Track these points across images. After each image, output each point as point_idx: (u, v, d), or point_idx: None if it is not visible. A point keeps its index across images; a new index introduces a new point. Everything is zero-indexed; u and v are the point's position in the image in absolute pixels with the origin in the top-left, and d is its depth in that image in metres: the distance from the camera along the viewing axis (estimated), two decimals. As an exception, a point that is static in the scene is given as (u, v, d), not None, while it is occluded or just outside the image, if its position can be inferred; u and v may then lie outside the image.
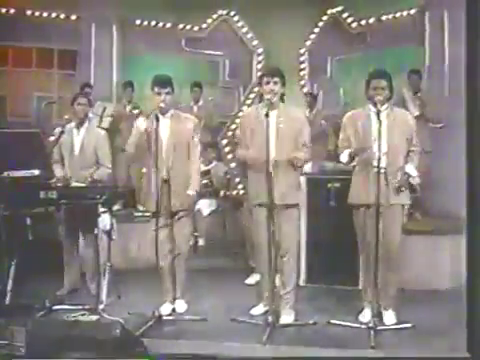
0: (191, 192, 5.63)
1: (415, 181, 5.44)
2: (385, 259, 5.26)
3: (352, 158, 5.37)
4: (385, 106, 5.26)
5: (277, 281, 5.49)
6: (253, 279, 6.60)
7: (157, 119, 5.38)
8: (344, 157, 5.42)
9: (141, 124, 5.46)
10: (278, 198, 5.26)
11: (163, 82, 5.60)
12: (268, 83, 5.36)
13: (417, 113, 7.47)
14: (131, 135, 5.67)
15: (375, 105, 5.18)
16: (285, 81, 5.43)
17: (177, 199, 5.57)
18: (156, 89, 5.57)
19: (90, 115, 6.78)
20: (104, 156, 6.43)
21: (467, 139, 4.13)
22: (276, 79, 5.36)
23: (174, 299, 5.82)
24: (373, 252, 5.14)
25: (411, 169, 5.33)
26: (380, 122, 5.07)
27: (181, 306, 5.82)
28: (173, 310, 5.76)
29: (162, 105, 5.52)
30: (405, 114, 5.62)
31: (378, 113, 5.11)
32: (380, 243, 5.15)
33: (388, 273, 5.34)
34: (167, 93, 5.56)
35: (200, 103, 9.78)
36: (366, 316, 5.36)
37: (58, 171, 6.34)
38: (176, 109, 5.84)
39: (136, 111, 9.15)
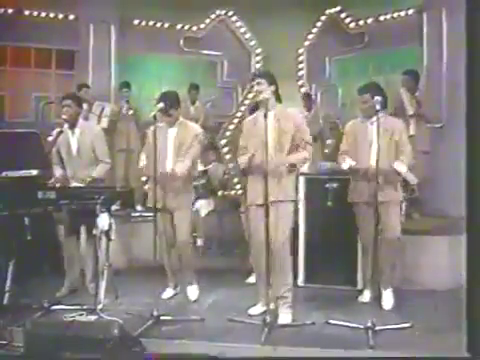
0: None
1: (410, 179, 5.93)
2: (384, 246, 5.72)
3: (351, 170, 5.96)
4: (381, 114, 5.58)
5: (274, 281, 5.50)
6: (254, 278, 6.57)
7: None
8: (345, 166, 5.94)
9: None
10: (274, 196, 5.27)
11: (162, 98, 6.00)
12: (253, 86, 5.56)
13: (411, 112, 7.50)
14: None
15: (364, 117, 5.91)
16: (274, 81, 5.52)
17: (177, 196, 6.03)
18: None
19: (82, 115, 6.72)
20: (102, 151, 6.45)
21: (467, 139, 4.13)
22: (259, 80, 5.49)
23: (176, 285, 6.32)
24: (371, 244, 5.56)
25: (398, 165, 5.76)
26: (367, 132, 5.81)
27: (193, 292, 6.20)
28: (175, 295, 6.28)
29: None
30: (394, 121, 6.04)
31: (366, 124, 5.84)
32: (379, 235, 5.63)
33: (386, 256, 5.74)
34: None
35: (196, 104, 9.81)
36: (365, 297, 5.96)
37: (58, 172, 6.34)
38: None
39: (131, 112, 9.14)
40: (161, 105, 5.81)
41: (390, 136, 5.81)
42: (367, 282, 6.05)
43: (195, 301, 6.14)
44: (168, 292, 6.29)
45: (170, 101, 6.01)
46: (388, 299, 5.85)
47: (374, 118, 5.60)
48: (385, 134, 5.68)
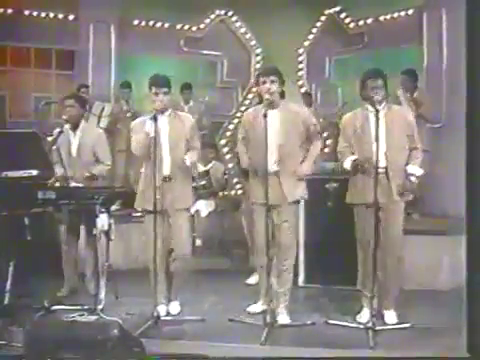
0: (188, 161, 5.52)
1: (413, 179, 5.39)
2: (386, 259, 5.33)
3: (356, 166, 5.34)
4: (382, 105, 5.29)
5: (274, 281, 5.49)
6: (254, 279, 6.57)
7: (156, 119, 5.35)
8: (347, 164, 5.40)
9: (144, 126, 5.43)
10: (281, 197, 5.27)
11: (160, 82, 5.58)
12: (265, 83, 5.36)
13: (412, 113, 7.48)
14: (133, 139, 5.64)
15: (373, 105, 5.17)
16: (283, 80, 5.45)
17: (178, 196, 5.59)
18: (154, 89, 5.53)
19: (84, 115, 6.71)
20: (103, 154, 6.40)
21: (467, 139, 4.13)
22: (272, 78, 5.35)
23: (169, 300, 5.82)
24: (372, 252, 5.16)
25: (414, 169, 5.30)
26: (378, 121, 5.08)
27: (175, 308, 5.79)
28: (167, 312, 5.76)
29: (159, 104, 5.49)
30: (403, 111, 5.68)
31: (376, 112, 5.11)
32: (380, 243, 5.23)
33: (390, 273, 5.37)
34: (165, 93, 5.53)
35: (190, 104, 9.79)
36: (364, 317, 5.35)
37: (59, 171, 6.32)
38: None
39: (129, 114, 9.13)
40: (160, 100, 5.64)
41: (399, 128, 5.30)
42: (367, 300, 5.36)
43: (178, 314, 5.75)
44: (162, 309, 5.64)
45: (163, 81, 5.58)
46: (391, 318, 5.39)
47: (380, 107, 5.21)
48: (394, 125, 5.27)
